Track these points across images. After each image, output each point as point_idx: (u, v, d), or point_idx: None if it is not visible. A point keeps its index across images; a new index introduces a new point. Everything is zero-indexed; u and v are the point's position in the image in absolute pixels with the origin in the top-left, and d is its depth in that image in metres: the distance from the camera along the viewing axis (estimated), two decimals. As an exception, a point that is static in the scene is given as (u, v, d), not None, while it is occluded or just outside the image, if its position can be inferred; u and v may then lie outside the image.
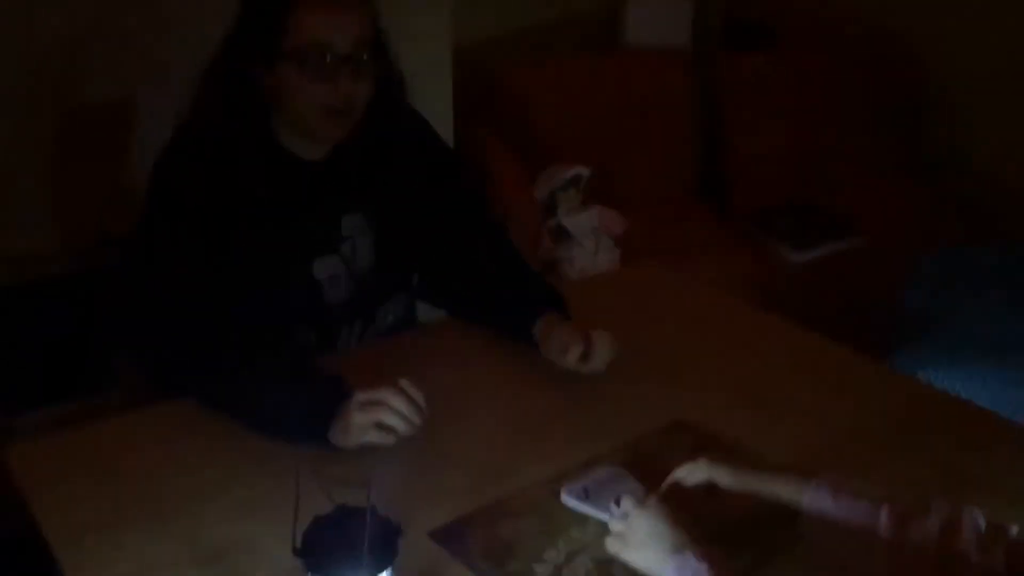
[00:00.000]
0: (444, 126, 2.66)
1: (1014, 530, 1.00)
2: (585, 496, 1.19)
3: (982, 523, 1.00)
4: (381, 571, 0.97)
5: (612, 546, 1.09)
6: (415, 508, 1.16)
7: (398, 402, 1.27)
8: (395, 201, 1.56)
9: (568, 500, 1.20)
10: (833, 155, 3.22)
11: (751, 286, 2.69)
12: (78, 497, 1.21)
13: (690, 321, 1.69)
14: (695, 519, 1.05)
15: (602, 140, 3.07)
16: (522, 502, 1.21)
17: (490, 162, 2.85)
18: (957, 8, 3.11)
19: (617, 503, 1.11)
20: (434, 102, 2.61)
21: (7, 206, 2.18)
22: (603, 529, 1.14)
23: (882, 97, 3.24)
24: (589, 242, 2.57)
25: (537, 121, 3.03)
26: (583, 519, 1.18)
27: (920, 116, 3.27)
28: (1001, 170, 3.08)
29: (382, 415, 1.26)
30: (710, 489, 1.13)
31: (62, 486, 1.23)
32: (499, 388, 1.47)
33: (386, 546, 0.98)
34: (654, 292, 1.82)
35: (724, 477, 1.12)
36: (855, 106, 3.23)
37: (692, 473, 1.13)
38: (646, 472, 1.22)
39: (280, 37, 1.37)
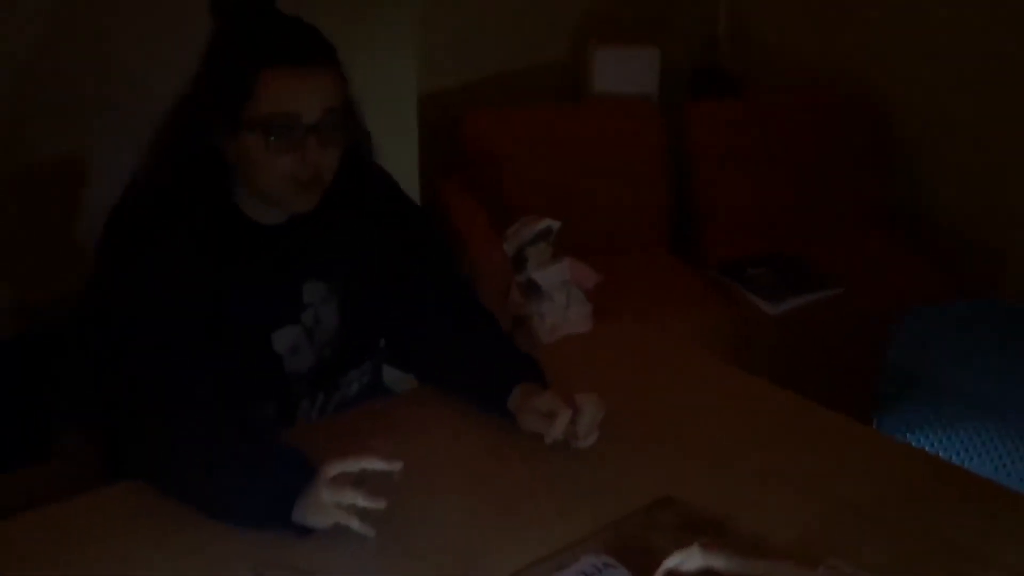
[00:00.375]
0: (410, 178, 2.61)
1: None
2: (571, 589, 1.10)
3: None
4: None
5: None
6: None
7: (375, 462, 1.18)
8: (360, 264, 1.48)
9: (552, 595, 1.11)
10: (806, 204, 3.18)
11: (726, 339, 2.63)
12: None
13: (670, 384, 1.61)
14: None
15: (571, 191, 3.02)
16: (499, 596, 1.12)
17: (457, 216, 2.78)
18: (924, 58, 3.12)
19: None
20: (400, 154, 2.56)
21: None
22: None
23: (853, 146, 3.21)
24: (560, 296, 2.50)
25: (504, 172, 2.97)
26: (568, 615, 1.09)
27: (891, 166, 3.25)
28: (973, 223, 3.06)
29: (351, 497, 1.17)
30: (705, 577, 1.05)
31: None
32: (469, 465, 1.38)
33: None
34: (631, 353, 1.74)
35: (721, 564, 1.04)
36: (826, 155, 3.20)
37: (686, 561, 1.04)
38: (632, 557, 1.13)
39: (243, 104, 1.28)
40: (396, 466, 1.20)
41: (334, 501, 1.17)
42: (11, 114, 2.07)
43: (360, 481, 1.19)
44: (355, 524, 1.17)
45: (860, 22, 3.28)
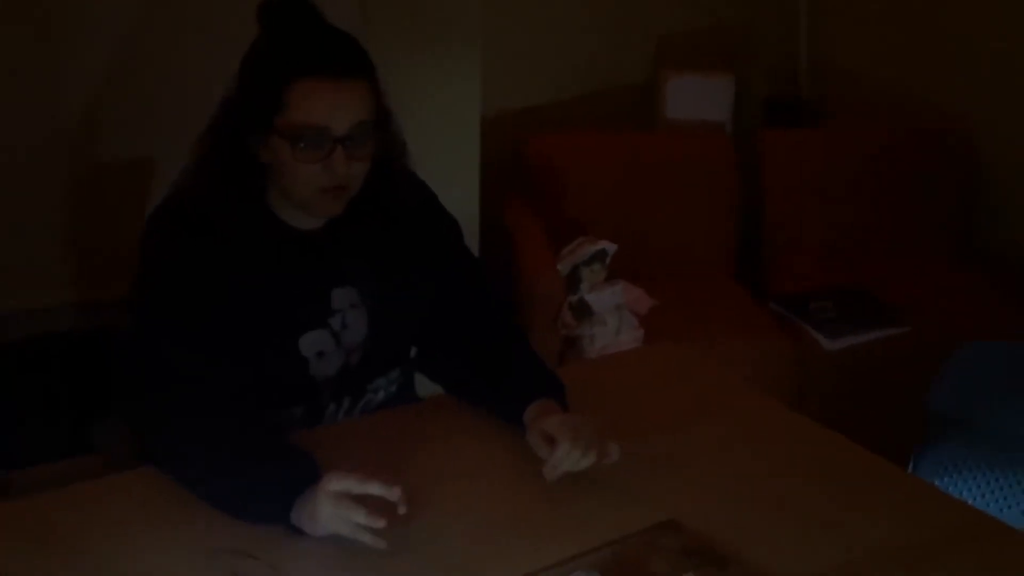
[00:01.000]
0: (470, 195, 2.63)
1: None
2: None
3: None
4: None
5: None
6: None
7: (375, 488, 1.19)
8: (391, 272, 1.50)
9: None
10: (881, 239, 3.10)
11: (780, 372, 2.58)
12: (12, 570, 1.15)
13: (701, 409, 1.58)
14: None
15: (637, 215, 3.01)
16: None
17: (516, 233, 2.79)
18: (1013, 91, 3.01)
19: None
20: (461, 171, 2.59)
21: (20, 260, 2.18)
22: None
23: (933, 182, 3.11)
24: (612, 319, 2.48)
25: (568, 194, 2.98)
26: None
27: (974, 203, 3.14)
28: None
29: (353, 514, 1.18)
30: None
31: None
32: (480, 476, 1.38)
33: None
34: (668, 374, 1.72)
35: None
36: (903, 189, 3.11)
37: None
38: (625, 577, 1.12)
39: (275, 112, 1.31)
40: (395, 494, 1.19)
41: (335, 515, 1.18)
42: (84, 118, 2.17)
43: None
44: (367, 538, 1.18)
45: (947, 54, 3.19)
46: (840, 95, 3.49)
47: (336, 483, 1.19)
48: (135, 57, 2.17)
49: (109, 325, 2.04)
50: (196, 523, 1.24)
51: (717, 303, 2.91)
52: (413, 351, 1.61)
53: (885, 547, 1.26)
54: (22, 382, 2.10)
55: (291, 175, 1.34)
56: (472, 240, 2.34)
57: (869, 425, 1.68)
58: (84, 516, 1.26)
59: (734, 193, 3.13)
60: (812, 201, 3.12)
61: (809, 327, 2.70)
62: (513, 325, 1.59)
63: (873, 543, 1.26)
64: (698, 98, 3.28)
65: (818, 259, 3.07)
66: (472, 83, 2.56)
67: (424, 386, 1.67)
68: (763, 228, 3.16)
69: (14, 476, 1.94)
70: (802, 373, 2.61)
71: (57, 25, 2.08)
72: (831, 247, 3.10)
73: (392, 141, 1.44)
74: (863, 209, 3.11)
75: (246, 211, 1.41)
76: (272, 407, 1.45)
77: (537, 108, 3.28)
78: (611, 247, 2.58)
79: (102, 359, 1.99)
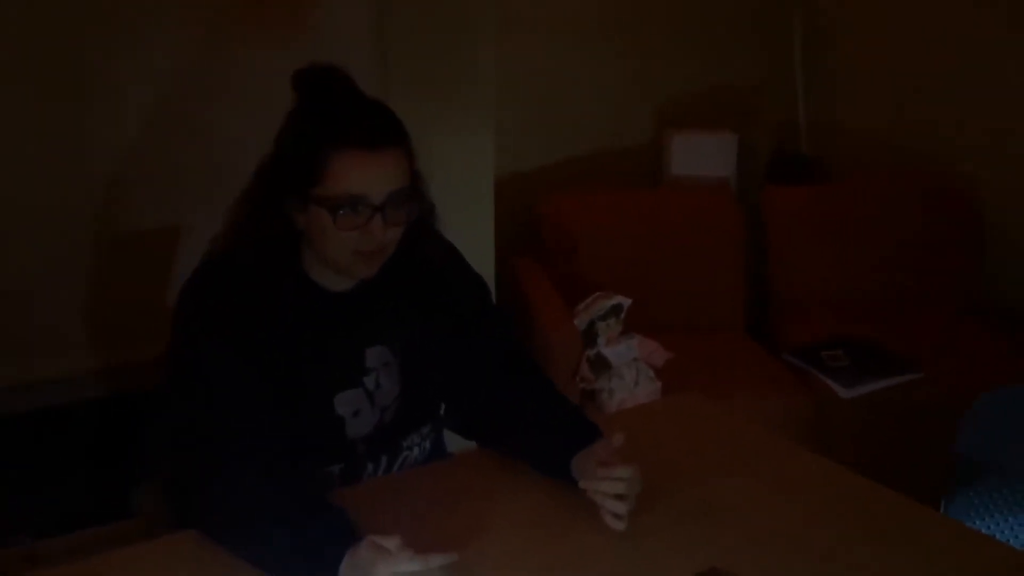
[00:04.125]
0: (485, 256, 2.66)
1: None
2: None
3: None
4: None
5: None
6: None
7: (436, 560, 1.19)
8: (422, 330, 1.52)
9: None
10: (886, 290, 3.13)
11: (799, 422, 2.59)
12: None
13: (733, 459, 1.60)
14: None
15: (646, 272, 3.04)
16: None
17: (530, 292, 2.82)
18: (1016, 144, 3.07)
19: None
20: (476, 232, 2.62)
21: (41, 329, 2.20)
22: None
23: (936, 236, 3.15)
24: (629, 373, 2.50)
25: (580, 253, 3.01)
26: None
27: (979, 255, 3.18)
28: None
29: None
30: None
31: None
32: (518, 529, 1.39)
33: None
34: (696, 425, 1.74)
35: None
36: (906, 243, 3.15)
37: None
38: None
39: (313, 183, 1.34)
40: (453, 557, 1.20)
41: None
42: (108, 187, 2.21)
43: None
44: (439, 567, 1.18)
45: (948, 109, 3.25)
46: (841, 152, 3.56)
47: (392, 565, 1.17)
48: (161, 127, 2.22)
49: (134, 391, 2.06)
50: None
51: (730, 355, 2.94)
52: (442, 409, 1.63)
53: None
54: (44, 450, 2.11)
55: (329, 241, 1.37)
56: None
57: (889, 471, 1.69)
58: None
59: (741, 247, 3.17)
60: (816, 255, 3.16)
61: (824, 376, 2.72)
62: (544, 377, 1.61)
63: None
64: (702, 154, 3.34)
65: (825, 312, 3.09)
66: (486, 147, 2.61)
67: (454, 442, 1.69)
68: (769, 281, 3.20)
69: (42, 544, 1.94)
70: (819, 422, 2.62)
71: (85, 93, 2.13)
72: (837, 300, 3.13)
73: (423, 204, 1.47)
74: (867, 263, 3.15)
75: (281, 275, 1.43)
76: (310, 467, 1.47)
77: (547, 169, 3.33)
78: (626, 301, 2.61)
79: (130, 425, 2.01)
